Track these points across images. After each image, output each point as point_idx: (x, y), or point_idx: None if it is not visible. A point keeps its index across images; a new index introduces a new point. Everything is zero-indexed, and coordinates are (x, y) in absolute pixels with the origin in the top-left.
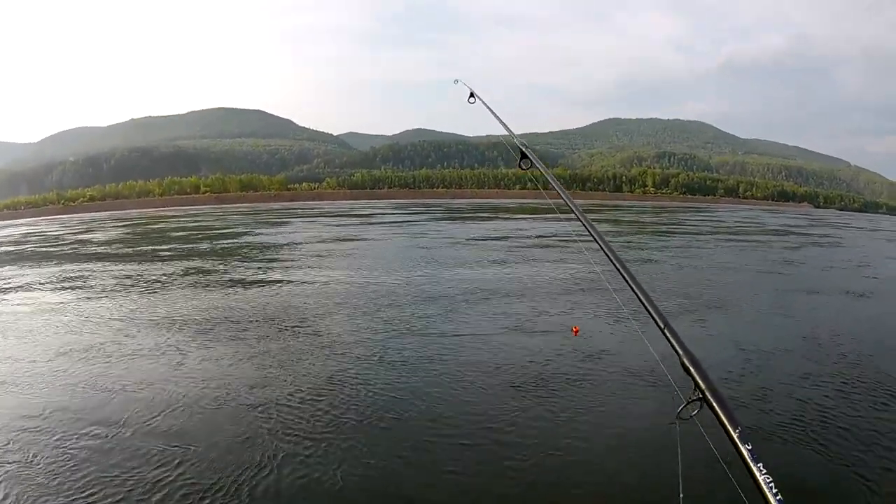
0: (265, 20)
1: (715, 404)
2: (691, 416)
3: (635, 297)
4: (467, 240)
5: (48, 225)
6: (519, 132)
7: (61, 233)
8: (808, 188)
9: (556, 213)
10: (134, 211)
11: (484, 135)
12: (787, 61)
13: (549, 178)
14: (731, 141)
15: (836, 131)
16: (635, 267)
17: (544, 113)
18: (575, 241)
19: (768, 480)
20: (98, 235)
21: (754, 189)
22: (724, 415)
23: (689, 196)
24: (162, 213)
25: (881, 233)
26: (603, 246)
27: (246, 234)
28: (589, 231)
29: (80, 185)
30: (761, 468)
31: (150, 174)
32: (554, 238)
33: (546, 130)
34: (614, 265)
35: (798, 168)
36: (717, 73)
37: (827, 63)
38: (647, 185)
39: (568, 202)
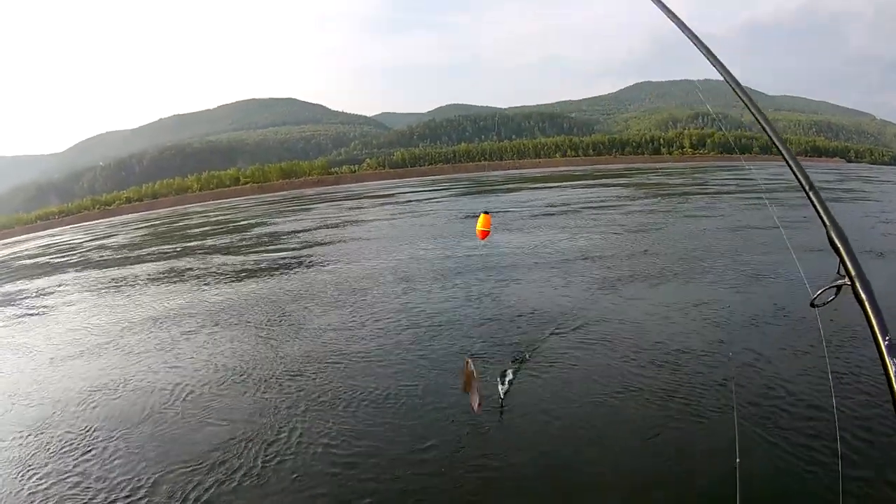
0: (287, 8)
1: (862, 292)
2: (827, 303)
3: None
4: (465, 217)
5: (73, 234)
6: (552, 101)
7: (83, 240)
8: (839, 143)
9: (588, 178)
10: (164, 210)
11: (519, 105)
12: (804, 19)
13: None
14: (760, 98)
15: (858, 86)
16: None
17: (575, 82)
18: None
19: None
20: (114, 240)
21: (788, 145)
22: (872, 312)
23: (727, 154)
24: (192, 210)
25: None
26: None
27: (259, 224)
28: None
29: (114, 189)
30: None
31: (184, 171)
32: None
33: (580, 97)
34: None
35: (827, 122)
36: (739, 33)
37: (840, 20)
38: (684, 147)
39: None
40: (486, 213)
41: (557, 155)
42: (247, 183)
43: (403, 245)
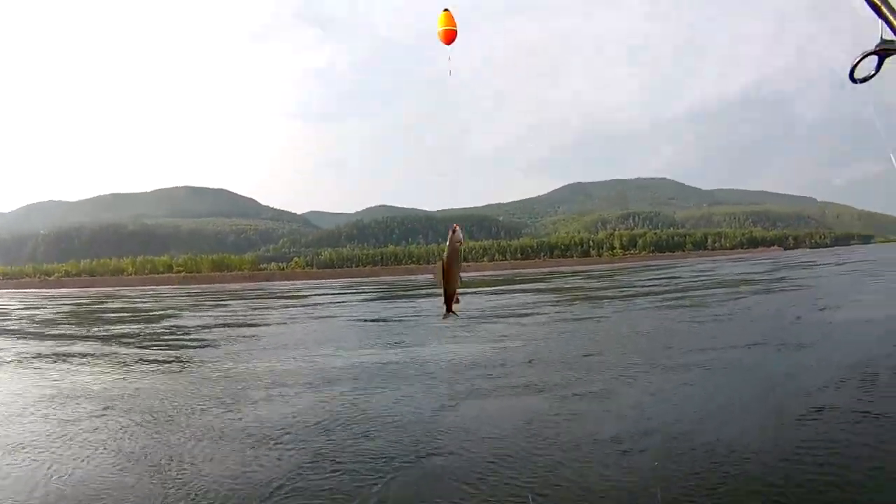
0: (221, 99)
1: None
2: (869, 77)
3: None
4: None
5: (9, 299)
6: (481, 204)
7: (15, 307)
8: (777, 231)
9: (508, 283)
10: (97, 289)
11: (447, 208)
12: (747, 105)
13: None
14: (694, 194)
15: (801, 167)
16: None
17: (505, 182)
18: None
19: None
20: (41, 312)
21: (723, 240)
22: None
23: (658, 254)
24: (121, 293)
25: (844, 266)
26: None
27: (171, 316)
28: None
29: (54, 259)
30: None
31: (121, 250)
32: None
33: (509, 200)
34: None
35: (765, 212)
36: (675, 126)
37: (788, 98)
38: (615, 248)
39: None
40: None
41: (485, 259)
42: (179, 271)
43: (280, 350)
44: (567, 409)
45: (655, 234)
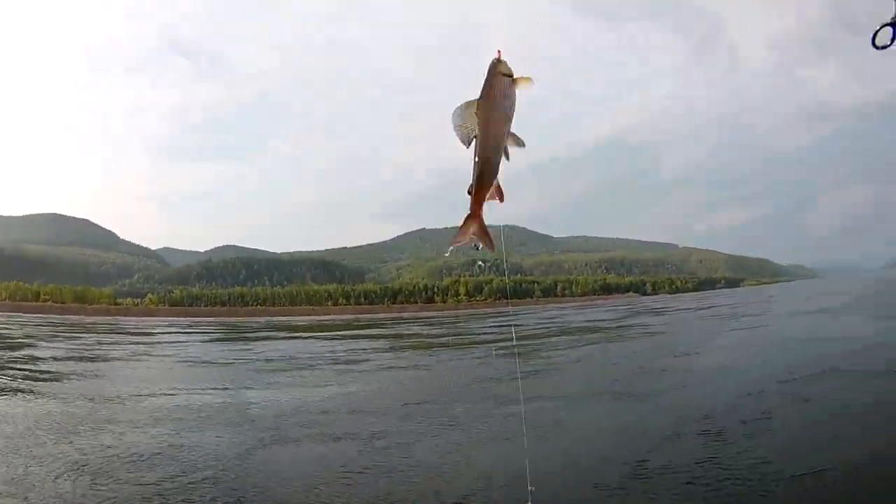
0: (89, 127)
1: None
2: (889, 44)
3: None
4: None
5: None
6: (326, 247)
7: None
8: (634, 277)
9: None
10: None
11: (293, 250)
12: (608, 151)
13: None
14: (544, 241)
15: (662, 214)
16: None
17: (350, 225)
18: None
19: None
20: None
21: (573, 286)
22: None
23: (505, 300)
24: None
25: (704, 311)
26: None
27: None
28: None
29: None
30: None
31: None
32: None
33: (353, 245)
34: None
35: (620, 259)
36: (530, 172)
37: (650, 147)
38: (460, 294)
39: None
40: None
41: (329, 303)
42: (46, 300)
43: (120, 386)
44: (374, 460)
45: (502, 280)
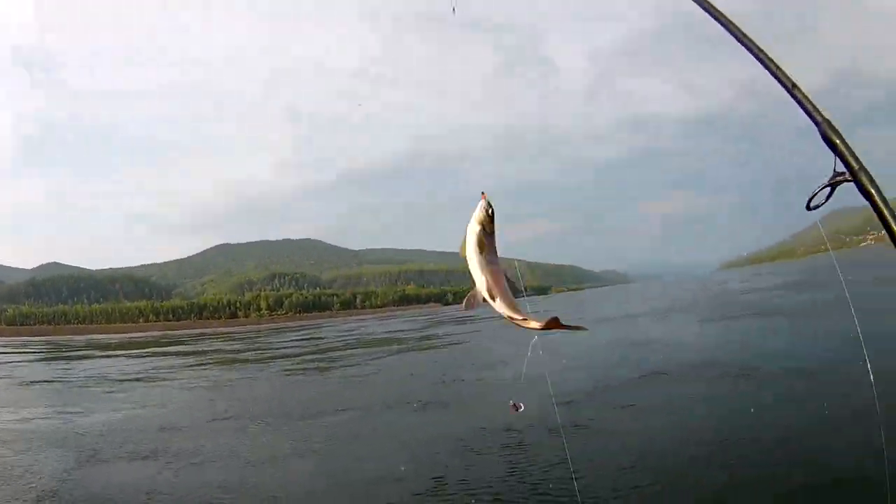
0: None
1: (870, 187)
2: (822, 204)
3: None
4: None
5: None
6: (137, 263)
7: None
8: (435, 288)
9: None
10: None
11: (107, 267)
12: (407, 166)
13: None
14: (342, 254)
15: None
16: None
17: (154, 243)
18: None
19: None
20: None
21: (373, 298)
22: (883, 204)
23: (306, 314)
24: None
25: (492, 322)
26: None
27: None
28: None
29: None
30: None
31: None
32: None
33: (163, 260)
34: None
35: (419, 270)
36: (328, 188)
37: (452, 159)
38: (261, 309)
39: None
40: None
41: (141, 320)
42: None
43: None
44: (178, 477)
45: (301, 294)
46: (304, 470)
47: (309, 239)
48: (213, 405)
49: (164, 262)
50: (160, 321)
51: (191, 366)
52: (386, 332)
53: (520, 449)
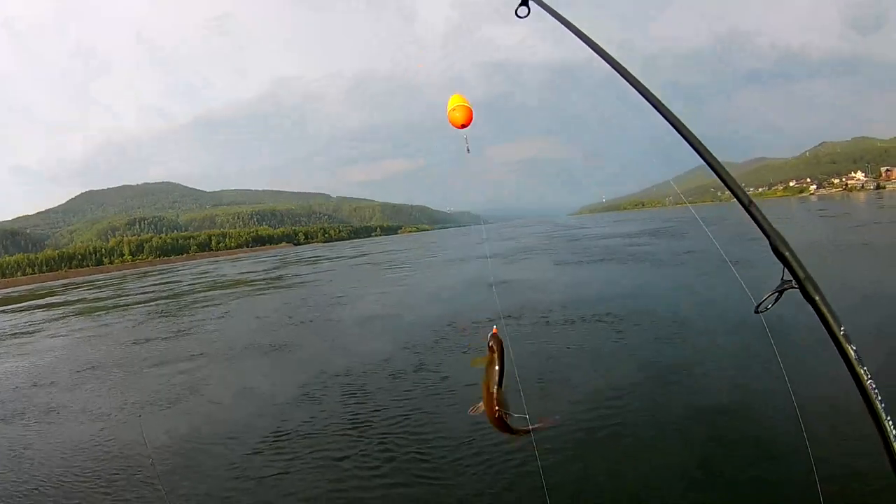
0: None
1: (814, 294)
2: (769, 308)
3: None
4: None
5: None
6: (12, 216)
7: None
8: (286, 228)
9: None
10: None
11: None
12: (264, 109)
13: (558, 18)
14: (199, 196)
15: (316, 166)
16: None
17: (21, 194)
18: None
19: (873, 386)
20: None
21: (227, 240)
22: (826, 308)
23: (165, 258)
24: None
25: (358, 259)
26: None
27: None
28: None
29: None
30: (866, 371)
31: None
32: None
33: (35, 211)
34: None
35: (271, 210)
36: (186, 131)
37: (307, 103)
38: (125, 254)
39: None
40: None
41: (18, 273)
42: None
43: None
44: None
45: (161, 238)
46: (154, 422)
47: (168, 182)
48: (78, 358)
49: (36, 214)
50: (36, 273)
51: (59, 318)
52: (238, 274)
53: (362, 392)
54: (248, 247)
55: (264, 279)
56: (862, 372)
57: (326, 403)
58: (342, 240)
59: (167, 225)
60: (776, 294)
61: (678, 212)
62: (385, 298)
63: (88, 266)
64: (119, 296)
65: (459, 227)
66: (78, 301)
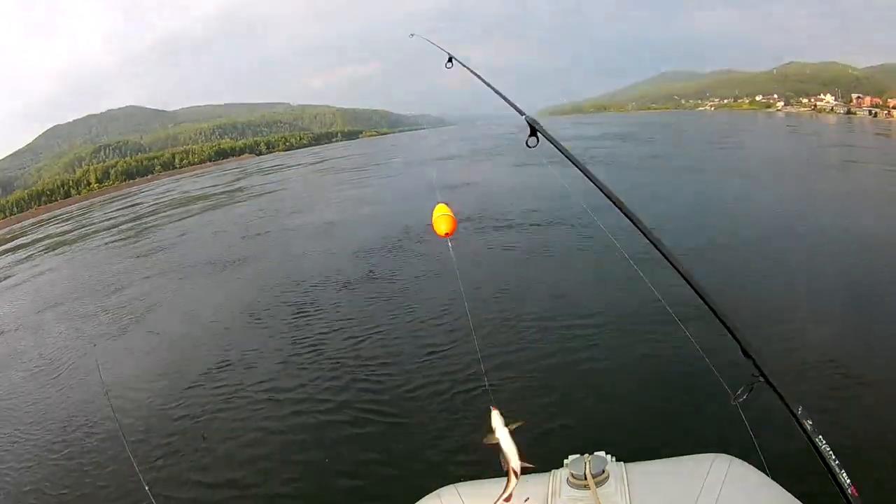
0: None
1: (776, 386)
2: (745, 398)
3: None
4: None
5: None
6: None
7: None
8: (247, 140)
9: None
10: None
11: None
12: (222, 26)
13: (563, 152)
14: (161, 117)
15: (275, 77)
16: None
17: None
18: None
19: (828, 450)
20: None
21: (191, 156)
22: (785, 394)
23: (131, 181)
24: None
25: (317, 165)
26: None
27: None
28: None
29: None
30: (821, 440)
31: None
32: None
33: (1, 157)
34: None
35: (232, 123)
36: (148, 54)
37: (262, 19)
38: (91, 183)
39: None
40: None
41: None
42: None
43: None
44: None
45: (125, 162)
46: (109, 353)
47: (130, 106)
48: (39, 299)
49: (3, 158)
50: (7, 217)
51: (22, 260)
52: (198, 190)
53: (314, 309)
54: (210, 161)
55: (224, 192)
56: (818, 441)
57: (274, 326)
58: (304, 147)
59: (131, 148)
60: (749, 387)
61: (640, 116)
62: (339, 206)
63: (57, 200)
64: (84, 226)
65: (418, 129)
66: (43, 238)
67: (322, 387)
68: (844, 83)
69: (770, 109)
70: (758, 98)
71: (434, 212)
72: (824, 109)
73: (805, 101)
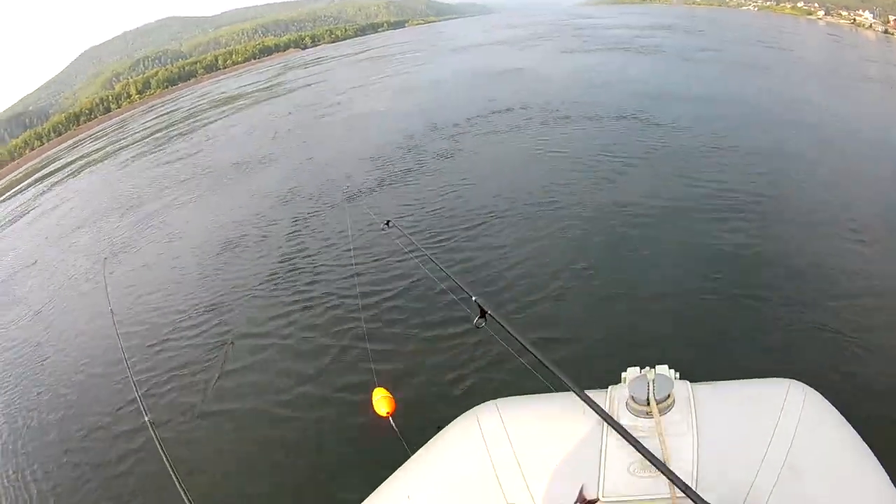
0: None
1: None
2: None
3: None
4: None
5: None
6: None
7: None
8: (291, 35)
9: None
10: None
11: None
12: None
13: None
14: (200, 23)
15: None
16: None
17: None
18: None
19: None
20: None
21: (234, 56)
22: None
23: (174, 87)
24: None
25: (360, 55)
26: None
27: None
28: None
29: None
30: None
31: None
32: None
33: (34, 88)
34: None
35: (274, 22)
36: None
37: None
38: (132, 95)
39: None
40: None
41: (27, 151)
42: None
43: None
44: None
45: (166, 69)
46: (117, 267)
47: (167, 17)
48: (65, 224)
49: (37, 90)
50: (44, 144)
51: (59, 182)
52: (237, 88)
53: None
54: (255, 59)
55: (265, 89)
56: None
57: (279, 245)
58: (349, 38)
59: (171, 57)
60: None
61: (685, 9)
62: (379, 95)
63: (97, 118)
64: (119, 140)
65: (465, 17)
66: (77, 160)
67: (334, 307)
68: (881, 2)
69: (811, 17)
70: (800, 4)
71: (373, 395)
72: (863, 24)
73: (844, 14)
